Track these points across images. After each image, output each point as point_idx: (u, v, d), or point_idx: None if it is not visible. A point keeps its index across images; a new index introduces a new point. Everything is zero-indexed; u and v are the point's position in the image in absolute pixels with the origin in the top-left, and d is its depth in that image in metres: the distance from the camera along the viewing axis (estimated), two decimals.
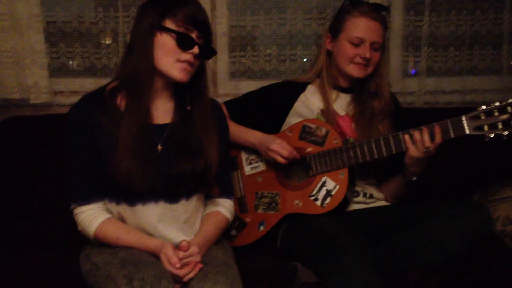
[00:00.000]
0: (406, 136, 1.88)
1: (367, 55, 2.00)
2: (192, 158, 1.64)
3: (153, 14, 1.61)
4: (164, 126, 1.68)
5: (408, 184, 1.99)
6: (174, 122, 1.69)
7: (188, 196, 1.69)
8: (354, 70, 2.04)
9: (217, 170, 1.68)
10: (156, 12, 1.60)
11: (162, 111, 1.70)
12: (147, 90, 1.62)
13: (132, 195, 1.62)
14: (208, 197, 1.80)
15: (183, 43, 1.59)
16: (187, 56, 1.60)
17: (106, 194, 1.67)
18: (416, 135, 1.85)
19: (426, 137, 1.84)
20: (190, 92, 1.69)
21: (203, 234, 1.70)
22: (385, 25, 2.06)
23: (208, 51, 1.66)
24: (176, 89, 1.71)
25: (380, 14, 2.04)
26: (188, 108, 1.69)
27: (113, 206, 1.68)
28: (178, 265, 1.52)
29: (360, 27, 2.01)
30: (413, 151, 1.86)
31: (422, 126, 1.86)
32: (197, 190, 1.70)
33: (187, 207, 1.70)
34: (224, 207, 1.80)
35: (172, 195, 1.66)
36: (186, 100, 1.69)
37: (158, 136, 1.66)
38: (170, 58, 1.60)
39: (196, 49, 1.60)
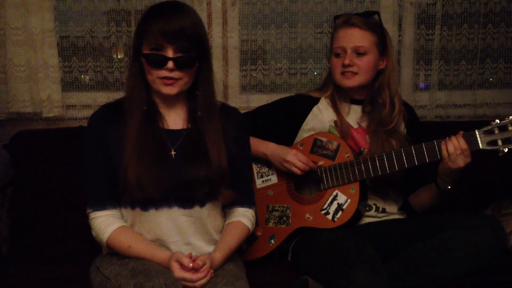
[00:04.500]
0: (424, 148, 1.88)
1: (346, 61, 1.99)
2: (205, 164, 1.65)
3: (135, 40, 1.67)
4: (178, 131, 1.71)
5: (442, 194, 1.96)
6: (188, 128, 1.71)
7: (201, 203, 1.70)
8: (342, 81, 2.04)
9: (228, 174, 1.68)
10: (136, 37, 1.66)
11: (176, 117, 1.73)
12: (141, 103, 1.67)
13: (144, 200, 1.63)
14: (229, 206, 1.81)
15: (153, 62, 1.61)
16: (164, 73, 1.61)
17: (120, 199, 1.68)
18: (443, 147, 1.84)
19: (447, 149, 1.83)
20: (200, 98, 1.71)
21: (227, 247, 1.71)
22: (369, 28, 2.02)
23: (190, 60, 1.63)
24: (188, 95, 1.73)
25: (361, 19, 2.02)
26: (199, 114, 1.70)
27: (128, 211, 1.70)
28: (190, 265, 1.53)
29: (340, 37, 2.04)
30: (447, 163, 1.84)
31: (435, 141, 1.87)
32: (210, 196, 1.70)
33: (201, 213, 1.71)
34: (245, 217, 1.80)
35: (185, 201, 1.68)
36: (197, 106, 1.71)
37: (172, 142, 1.69)
38: (151, 77, 1.64)
39: (170, 65, 1.60)
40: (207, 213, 1.72)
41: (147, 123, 1.66)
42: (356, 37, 2.00)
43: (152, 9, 1.65)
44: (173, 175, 1.64)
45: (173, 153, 1.68)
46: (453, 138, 1.84)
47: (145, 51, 1.62)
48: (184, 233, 1.70)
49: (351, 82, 2.03)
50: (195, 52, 1.63)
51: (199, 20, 1.66)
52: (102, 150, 1.67)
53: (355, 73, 2.01)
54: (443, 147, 1.84)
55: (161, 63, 1.60)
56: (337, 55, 2.04)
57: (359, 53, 2.00)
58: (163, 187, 1.61)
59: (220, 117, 1.72)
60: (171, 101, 1.72)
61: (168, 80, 1.62)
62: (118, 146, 1.64)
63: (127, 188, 1.60)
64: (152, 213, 1.67)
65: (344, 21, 2.04)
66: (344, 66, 2.00)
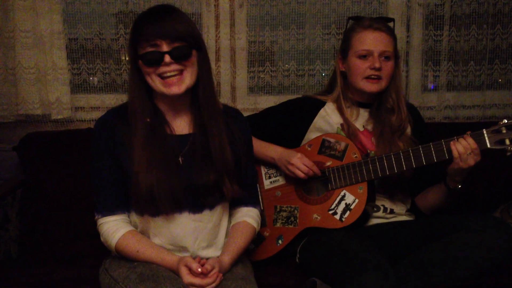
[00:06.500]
0: (430, 149, 1.87)
1: (377, 65, 1.98)
2: (212, 167, 1.65)
3: (129, 47, 1.65)
4: (185, 136, 1.70)
5: (451, 194, 1.96)
6: (194, 133, 1.70)
7: (211, 206, 1.70)
8: (367, 86, 2.03)
9: (233, 169, 1.69)
10: (130, 43, 1.65)
11: (182, 122, 1.72)
12: (145, 114, 1.65)
13: (155, 206, 1.62)
14: (233, 206, 1.81)
15: (149, 60, 1.60)
16: (163, 69, 1.60)
17: (130, 205, 1.68)
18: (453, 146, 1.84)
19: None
20: (202, 96, 1.69)
21: (235, 249, 1.71)
22: (391, 34, 2.05)
23: (185, 50, 1.60)
24: (192, 102, 1.72)
25: (384, 24, 2.04)
26: (203, 117, 1.69)
27: (138, 217, 1.69)
28: (199, 270, 1.52)
29: (365, 39, 2.02)
30: (458, 163, 1.83)
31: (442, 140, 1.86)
32: (219, 198, 1.71)
33: (211, 217, 1.71)
34: (251, 217, 1.80)
35: (196, 206, 1.68)
36: (200, 106, 1.69)
37: (179, 148, 1.68)
38: (152, 77, 1.62)
39: (167, 59, 1.58)
40: (216, 217, 1.73)
41: (153, 133, 1.64)
42: (383, 42, 2.01)
43: (142, 14, 1.66)
44: (183, 182, 1.63)
45: (180, 159, 1.68)
46: (462, 139, 1.84)
47: (140, 52, 1.61)
48: (194, 238, 1.69)
49: (375, 87, 2.02)
50: (189, 42, 1.61)
51: (190, 19, 1.68)
52: (110, 156, 1.66)
53: (380, 78, 2.01)
54: (453, 147, 1.83)
55: (157, 60, 1.58)
56: (363, 58, 2.02)
57: (386, 57, 2.01)
58: (173, 193, 1.61)
59: (223, 119, 1.72)
60: (176, 107, 1.70)
61: (169, 79, 1.60)
62: (127, 153, 1.63)
63: (139, 199, 1.60)
64: (163, 219, 1.66)
65: (369, 24, 2.03)
66: (375, 69, 1.99)
